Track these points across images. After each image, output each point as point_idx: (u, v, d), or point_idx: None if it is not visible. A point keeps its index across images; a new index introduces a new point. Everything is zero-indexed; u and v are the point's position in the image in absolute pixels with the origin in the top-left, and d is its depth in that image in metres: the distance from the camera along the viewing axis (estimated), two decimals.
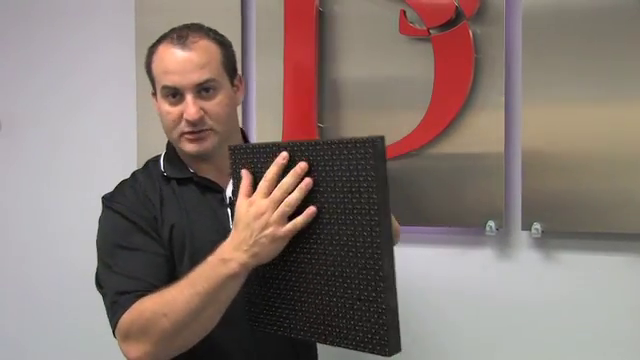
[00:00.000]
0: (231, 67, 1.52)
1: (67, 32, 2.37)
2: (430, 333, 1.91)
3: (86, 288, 2.32)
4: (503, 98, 1.79)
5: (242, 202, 1.32)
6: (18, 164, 2.45)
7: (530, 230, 1.79)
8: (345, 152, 1.21)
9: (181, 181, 1.53)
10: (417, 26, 1.86)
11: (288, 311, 1.33)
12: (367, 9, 1.91)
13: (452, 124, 1.83)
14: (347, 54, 1.95)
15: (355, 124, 1.95)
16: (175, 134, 1.48)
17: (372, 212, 1.18)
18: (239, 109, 2.03)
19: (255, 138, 2.06)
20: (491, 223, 1.80)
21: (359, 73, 1.94)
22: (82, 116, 2.35)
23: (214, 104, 1.46)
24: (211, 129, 1.47)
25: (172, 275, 1.44)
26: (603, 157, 1.73)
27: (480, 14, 1.80)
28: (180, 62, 1.44)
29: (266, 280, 1.36)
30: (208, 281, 1.29)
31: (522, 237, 1.84)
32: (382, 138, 1.19)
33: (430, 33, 1.84)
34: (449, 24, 1.81)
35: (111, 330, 1.39)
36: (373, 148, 1.17)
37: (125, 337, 1.36)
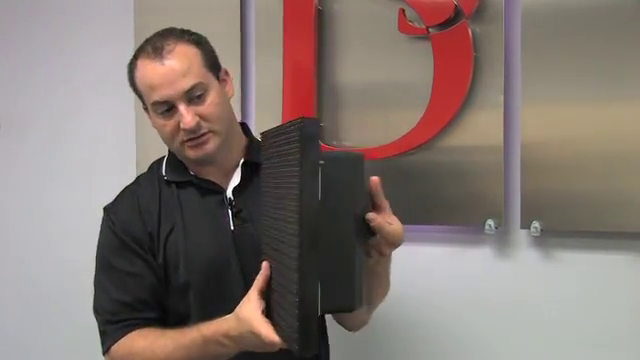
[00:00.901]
0: (213, 64, 1.50)
1: (66, 32, 2.37)
2: (429, 331, 1.91)
3: (85, 288, 2.33)
4: (502, 97, 1.79)
5: (255, 300, 1.30)
6: (17, 164, 2.45)
7: (529, 229, 1.79)
8: (286, 135, 1.19)
9: (181, 184, 1.53)
10: (416, 25, 1.85)
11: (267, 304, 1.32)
12: (366, 8, 1.91)
13: (451, 123, 1.83)
14: (346, 53, 1.95)
15: (354, 123, 1.95)
16: (176, 144, 1.48)
17: (297, 198, 1.13)
18: (238, 109, 2.06)
19: (257, 135, 2.06)
20: (490, 222, 1.80)
21: (358, 72, 1.94)
22: (81, 116, 2.35)
23: (207, 106, 1.45)
24: (210, 131, 1.46)
25: (164, 284, 1.48)
26: (602, 156, 1.72)
27: (479, 13, 1.80)
28: (162, 75, 1.42)
29: None
30: (202, 354, 1.36)
31: (521, 236, 1.84)
32: (315, 120, 1.16)
33: (429, 32, 1.84)
34: (448, 23, 1.81)
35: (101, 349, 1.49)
36: (301, 129, 1.12)
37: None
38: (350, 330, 1.58)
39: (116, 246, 1.50)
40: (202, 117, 1.44)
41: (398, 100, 1.89)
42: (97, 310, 1.52)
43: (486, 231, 1.81)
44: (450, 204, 1.85)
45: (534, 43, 1.77)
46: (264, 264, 1.32)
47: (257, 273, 1.34)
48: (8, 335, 2.48)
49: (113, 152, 2.30)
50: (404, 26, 1.86)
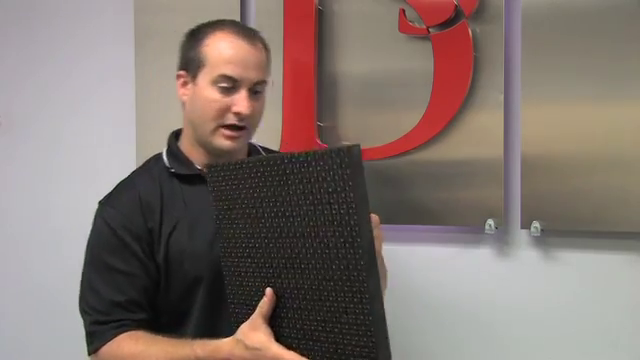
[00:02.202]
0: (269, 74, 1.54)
1: (66, 32, 2.37)
2: (429, 332, 1.91)
3: None
4: (502, 97, 1.79)
5: (264, 329, 1.29)
6: (17, 163, 2.45)
7: (529, 229, 1.78)
8: (321, 163, 1.17)
9: (187, 178, 1.51)
10: (416, 25, 1.85)
11: (277, 329, 1.31)
12: (366, 8, 1.91)
13: (451, 122, 1.83)
14: (346, 53, 1.95)
15: (354, 123, 1.95)
16: (212, 125, 1.46)
17: (352, 222, 1.14)
18: None
19: (255, 138, 2.06)
20: (490, 222, 1.80)
21: (358, 72, 1.94)
22: (81, 115, 2.35)
23: (259, 105, 1.48)
24: (247, 128, 1.48)
25: (165, 282, 1.46)
26: (602, 155, 1.72)
27: (479, 13, 1.80)
28: (245, 55, 1.44)
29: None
30: None
31: (521, 235, 1.84)
32: (358, 146, 1.16)
33: (429, 32, 1.84)
34: (448, 23, 1.81)
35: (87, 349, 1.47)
36: (349, 156, 1.13)
37: None
38: None
39: (111, 243, 1.47)
40: (252, 112, 1.46)
41: (398, 100, 1.89)
42: (85, 310, 1.49)
43: (486, 231, 1.81)
44: (450, 204, 1.85)
45: (534, 43, 1.77)
46: (268, 291, 1.29)
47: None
48: (8, 335, 2.48)
49: (113, 152, 2.30)
50: (404, 26, 1.86)
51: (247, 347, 1.27)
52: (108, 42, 2.30)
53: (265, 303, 1.29)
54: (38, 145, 2.42)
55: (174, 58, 2.15)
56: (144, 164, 1.60)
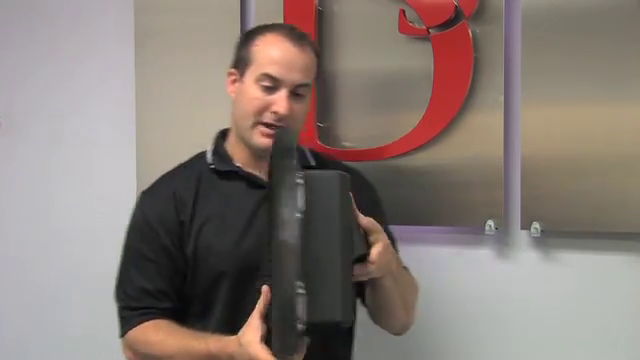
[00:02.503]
0: (315, 77, 1.59)
1: (66, 32, 2.37)
2: (429, 332, 1.91)
3: (85, 286, 2.34)
4: (502, 97, 1.79)
5: (256, 326, 1.32)
6: (17, 163, 2.45)
7: (529, 229, 1.78)
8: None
9: (226, 174, 1.56)
10: (416, 25, 1.85)
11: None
12: (366, 8, 1.91)
13: (451, 123, 1.83)
14: (346, 53, 1.95)
15: (354, 123, 1.95)
16: (251, 122, 1.50)
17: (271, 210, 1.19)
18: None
19: None
20: (490, 222, 1.80)
21: (358, 72, 1.94)
22: (81, 116, 2.35)
23: (299, 107, 1.51)
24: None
25: (192, 273, 1.52)
26: (602, 156, 1.72)
27: (479, 13, 1.80)
28: (291, 57, 1.49)
29: None
30: None
31: (521, 236, 1.83)
32: (284, 129, 1.22)
33: (429, 32, 1.84)
34: (448, 23, 1.81)
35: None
36: (274, 141, 1.20)
37: (129, 350, 1.53)
38: (394, 334, 1.61)
39: (144, 232, 1.54)
40: (292, 113, 1.49)
41: (398, 101, 1.89)
42: (119, 294, 1.56)
43: (486, 232, 1.81)
44: (450, 205, 1.85)
45: (534, 44, 1.77)
46: (264, 288, 1.33)
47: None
48: (6, 336, 2.48)
49: (113, 152, 2.30)
50: (404, 27, 1.86)
51: (240, 344, 1.33)
52: (108, 42, 2.30)
53: (261, 300, 1.33)
54: (38, 145, 2.42)
55: (174, 58, 2.16)
56: (190, 158, 1.65)
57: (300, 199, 1.19)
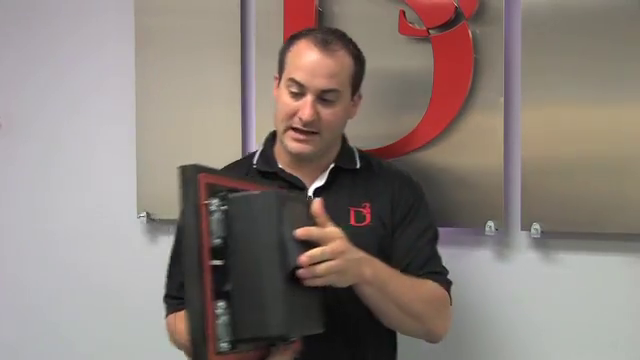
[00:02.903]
0: (356, 83, 1.58)
1: (66, 32, 2.36)
2: None
3: (84, 288, 2.34)
4: (502, 98, 1.80)
5: None
6: (17, 164, 2.45)
7: (529, 230, 1.79)
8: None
9: (268, 175, 1.59)
10: (416, 26, 1.85)
11: None
12: (367, 9, 1.91)
13: (451, 124, 1.83)
14: None
15: (354, 124, 1.93)
16: (283, 126, 1.54)
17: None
18: (238, 109, 2.07)
19: (255, 138, 2.07)
20: (491, 223, 1.80)
21: None
22: (81, 116, 2.34)
23: (330, 113, 1.52)
24: (318, 133, 1.52)
25: None
26: (602, 157, 1.73)
27: (479, 14, 1.80)
28: (314, 63, 1.50)
29: None
30: None
31: (521, 237, 1.84)
32: (193, 166, 1.24)
33: (429, 33, 1.84)
34: (448, 24, 1.81)
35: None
36: (181, 175, 1.24)
37: (168, 333, 1.60)
38: (428, 341, 1.60)
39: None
40: (321, 118, 1.51)
41: (398, 102, 1.89)
42: (165, 285, 1.63)
43: (486, 233, 1.81)
44: (451, 206, 1.85)
45: (534, 45, 1.77)
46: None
47: None
48: (7, 336, 2.47)
49: (112, 152, 2.29)
50: (404, 27, 1.86)
51: None
52: (108, 42, 2.30)
53: None
54: (38, 145, 2.41)
55: (174, 58, 2.16)
56: (243, 157, 1.73)
57: (216, 225, 1.24)
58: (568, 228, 1.77)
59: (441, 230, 1.68)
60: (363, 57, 1.59)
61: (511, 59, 1.81)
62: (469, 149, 1.83)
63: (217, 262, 1.24)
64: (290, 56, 1.55)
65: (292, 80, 1.51)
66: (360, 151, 1.68)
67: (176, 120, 2.15)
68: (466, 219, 1.85)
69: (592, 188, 1.73)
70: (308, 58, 1.51)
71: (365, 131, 1.91)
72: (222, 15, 2.09)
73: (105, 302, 2.28)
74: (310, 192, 1.57)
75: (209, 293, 1.22)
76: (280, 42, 1.97)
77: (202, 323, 1.21)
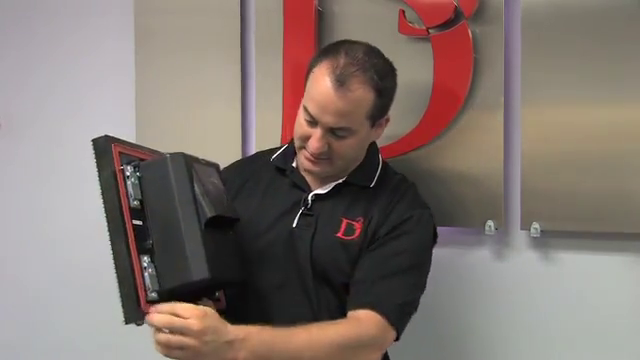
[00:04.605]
0: (379, 113, 1.53)
1: (66, 32, 2.36)
2: (428, 332, 1.91)
3: (84, 288, 2.34)
4: (502, 98, 1.79)
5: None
6: (17, 164, 2.45)
7: (529, 230, 1.79)
8: None
9: (280, 170, 1.64)
10: (416, 26, 1.85)
11: None
12: (366, 9, 1.91)
13: (451, 124, 1.83)
14: None
15: None
16: (298, 143, 1.55)
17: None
18: (238, 109, 2.07)
19: (254, 139, 2.07)
20: (490, 223, 1.80)
21: None
22: (81, 116, 2.34)
23: (341, 145, 1.51)
24: (329, 159, 1.52)
25: None
26: (602, 157, 1.73)
27: (479, 14, 1.80)
28: (326, 100, 1.46)
29: None
30: None
31: (521, 237, 1.84)
32: (105, 137, 1.37)
33: (429, 33, 1.84)
34: (448, 24, 1.81)
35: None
36: (93, 147, 1.37)
37: None
38: None
39: None
40: (331, 148, 1.50)
41: (398, 101, 1.87)
42: None
43: (486, 232, 1.81)
44: (450, 205, 1.85)
45: (534, 44, 1.77)
46: None
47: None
48: (6, 336, 2.47)
49: None
50: (404, 27, 1.86)
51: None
52: (108, 42, 2.30)
53: None
54: (37, 146, 2.41)
55: (174, 58, 2.16)
56: (268, 149, 1.75)
57: (133, 188, 1.36)
58: (568, 227, 1.78)
59: (440, 230, 1.68)
60: (388, 85, 1.53)
61: (511, 58, 1.81)
62: (469, 148, 1.83)
63: (137, 222, 1.35)
64: (311, 78, 1.51)
65: (306, 108, 1.50)
66: (385, 167, 1.65)
67: (176, 119, 2.15)
68: (466, 218, 1.85)
69: (592, 187, 1.73)
70: (321, 91, 1.46)
71: None
72: (222, 14, 2.09)
73: (105, 302, 2.27)
74: (310, 196, 1.57)
75: (134, 248, 1.33)
76: (280, 40, 1.99)
77: (131, 275, 1.31)
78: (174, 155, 1.39)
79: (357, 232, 1.54)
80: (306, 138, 1.51)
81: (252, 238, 1.56)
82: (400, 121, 1.87)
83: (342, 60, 1.47)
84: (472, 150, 1.83)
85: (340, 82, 1.45)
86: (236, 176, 1.67)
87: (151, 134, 2.18)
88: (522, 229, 1.81)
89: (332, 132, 1.49)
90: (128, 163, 1.38)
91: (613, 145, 1.72)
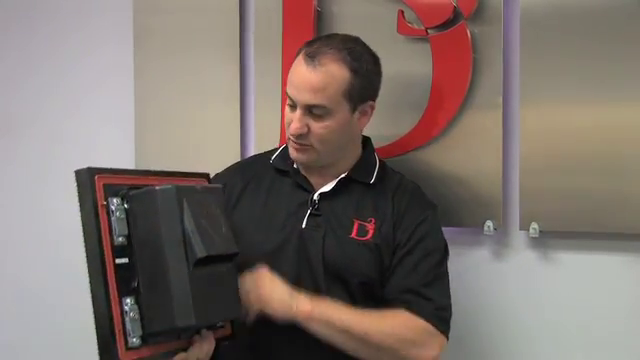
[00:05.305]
0: (358, 95, 1.54)
1: (66, 32, 2.36)
2: None
3: (84, 288, 2.33)
4: (501, 98, 1.79)
5: None
6: (16, 164, 2.45)
7: (528, 230, 1.79)
8: None
9: (281, 172, 1.64)
10: (415, 26, 1.85)
11: None
12: (365, 9, 1.91)
13: (450, 124, 1.83)
14: None
15: None
16: (287, 135, 1.57)
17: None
18: (237, 109, 2.07)
19: (254, 139, 2.07)
20: (489, 223, 1.80)
21: None
22: (80, 116, 2.34)
23: (320, 126, 1.52)
24: (311, 145, 1.54)
25: None
26: (601, 157, 1.73)
27: (478, 14, 1.80)
28: (300, 78, 1.51)
29: None
30: None
31: (520, 237, 1.84)
32: (87, 170, 1.33)
33: (428, 33, 1.84)
34: (447, 24, 1.81)
35: None
36: (76, 179, 1.35)
37: None
38: None
39: None
40: (311, 131, 1.52)
41: (397, 101, 1.88)
42: None
43: (485, 232, 1.81)
44: (449, 205, 1.84)
45: (533, 44, 1.77)
46: None
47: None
48: (5, 336, 2.47)
49: (112, 152, 2.29)
50: (403, 27, 1.86)
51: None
52: (107, 42, 2.30)
53: None
54: (37, 146, 2.42)
55: (173, 58, 2.16)
56: (266, 152, 1.75)
57: (118, 224, 1.29)
58: (567, 228, 1.77)
59: None
60: (366, 67, 1.55)
61: (510, 59, 1.81)
62: (468, 149, 1.83)
63: (122, 260, 1.28)
64: (291, 68, 1.56)
65: (287, 94, 1.54)
66: (383, 166, 1.67)
67: (175, 119, 2.15)
68: (464, 218, 1.85)
69: (591, 188, 1.73)
70: (296, 72, 1.53)
71: (364, 131, 1.92)
72: (221, 14, 2.10)
73: None
74: (316, 196, 1.59)
75: (115, 292, 1.26)
76: (279, 40, 1.99)
77: (109, 322, 1.25)
78: (164, 188, 1.31)
79: (370, 233, 1.56)
80: (289, 125, 1.54)
81: (261, 240, 1.57)
82: (399, 121, 1.88)
83: (317, 43, 1.55)
84: (471, 150, 1.83)
85: (311, 57, 1.50)
86: (237, 179, 1.67)
87: (150, 134, 2.18)
88: (521, 229, 1.81)
89: (310, 112, 1.51)
90: (115, 194, 1.31)
91: (612, 145, 1.72)
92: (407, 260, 1.55)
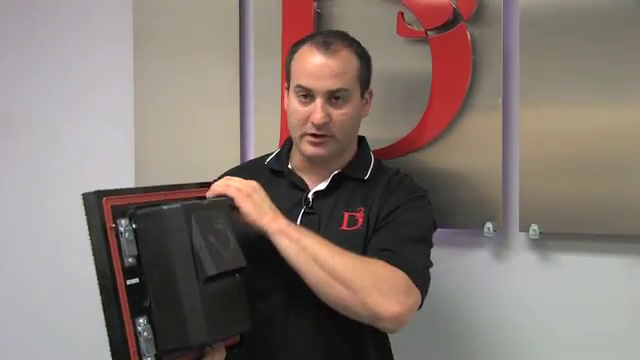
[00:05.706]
0: (365, 81, 1.59)
1: (66, 32, 2.37)
2: (427, 333, 1.91)
3: (84, 288, 2.33)
4: (501, 100, 1.79)
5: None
6: (15, 164, 2.45)
7: (528, 231, 1.79)
8: None
9: (276, 173, 1.65)
10: (415, 28, 1.85)
11: None
12: (365, 11, 1.91)
13: (450, 125, 1.83)
14: None
15: None
16: (298, 133, 1.56)
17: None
18: (236, 110, 2.07)
19: (254, 140, 2.07)
20: (489, 224, 1.80)
21: None
22: (80, 116, 2.35)
23: (341, 113, 1.53)
24: (333, 136, 1.54)
25: None
26: (601, 159, 1.73)
27: (478, 16, 1.80)
28: (319, 66, 1.52)
29: None
30: None
31: (520, 238, 1.84)
32: (94, 193, 1.32)
33: (428, 35, 1.84)
34: (447, 26, 1.81)
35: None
36: (83, 202, 1.33)
37: None
38: (382, 328, 1.51)
39: None
40: (332, 120, 1.53)
41: (397, 103, 1.89)
42: None
43: (485, 234, 1.81)
44: (449, 207, 1.85)
45: (533, 46, 1.77)
46: None
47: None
48: (5, 336, 2.48)
49: (111, 153, 2.30)
50: (403, 29, 1.86)
51: None
52: (107, 42, 2.30)
53: None
54: (37, 146, 2.42)
55: (173, 58, 2.16)
56: (260, 156, 1.76)
57: (127, 245, 1.28)
58: (566, 229, 1.78)
59: (439, 231, 1.69)
60: (368, 55, 1.61)
61: (509, 60, 1.81)
62: (467, 150, 1.83)
63: (133, 281, 1.28)
64: (295, 64, 1.57)
65: (300, 87, 1.53)
66: (379, 163, 1.67)
67: (174, 120, 2.16)
68: (464, 220, 1.85)
69: (590, 189, 1.73)
70: (312, 62, 1.53)
71: (363, 132, 1.91)
72: (221, 15, 2.10)
73: None
74: (310, 194, 1.59)
75: (127, 313, 1.26)
76: (279, 42, 1.99)
77: (124, 344, 1.25)
78: (172, 208, 1.31)
79: (360, 222, 1.55)
80: (305, 120, 1.53)
81: (258, 239, 1.55)
82: (399, 123, 1.88)
83: (320, 36, 1.58)
84: (471, 152, 1.83)
85: (326, 46, 1.52)
86: None
87: (150, 134, 2.19)
88: (521, 231, 1.81)
89: (331, 98, 1.52)
90: (122, 215, 1.30)
91: (611, 147, 1.72)
92: (390, 225, 1.53)
